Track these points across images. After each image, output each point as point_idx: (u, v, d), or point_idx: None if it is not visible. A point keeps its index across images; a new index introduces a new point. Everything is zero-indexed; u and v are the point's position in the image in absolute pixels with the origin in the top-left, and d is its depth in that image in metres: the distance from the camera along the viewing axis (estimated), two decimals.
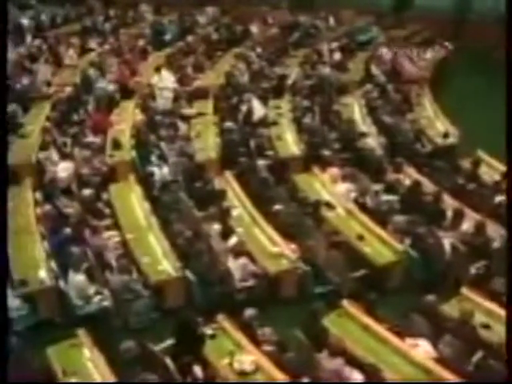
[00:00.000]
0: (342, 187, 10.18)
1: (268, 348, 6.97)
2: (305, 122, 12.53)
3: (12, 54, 14.25)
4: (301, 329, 7.06)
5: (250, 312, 7.19)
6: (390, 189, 10.00)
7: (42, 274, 7.81)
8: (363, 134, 12.04)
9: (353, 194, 10.02)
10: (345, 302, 7.51)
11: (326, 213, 9.50)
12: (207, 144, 11.50)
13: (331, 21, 19.17)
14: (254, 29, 18.22)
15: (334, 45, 16.81)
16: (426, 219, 9.05)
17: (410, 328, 7.05)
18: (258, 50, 16.52)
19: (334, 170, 10.54)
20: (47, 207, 9.07)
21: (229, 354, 6.72)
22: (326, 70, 15.18)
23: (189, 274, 8.16)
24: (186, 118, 12.60)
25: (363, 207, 9.62)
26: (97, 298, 7.81)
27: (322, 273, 8.42)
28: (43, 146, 10.68)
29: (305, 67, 15.48)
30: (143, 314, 7.85)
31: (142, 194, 9.77)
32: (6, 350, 5.45)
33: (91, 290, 7.83)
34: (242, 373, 6.58)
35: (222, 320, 7.21)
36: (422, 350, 6.76)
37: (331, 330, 7.06)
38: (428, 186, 10.22)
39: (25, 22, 16.31)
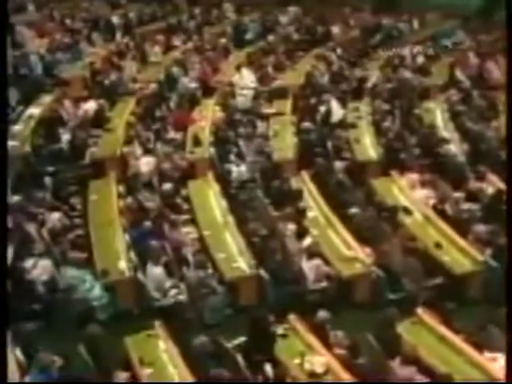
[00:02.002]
0: (421, 193, 10.00)
1: (339, 351, 6.94)
2: (384, 126, 12.38)
3: (102, 51, 14.87)
4: (373, 334, 6.99)
5: (322, 314, 7.18)
6: (472, 197, 9.75)
7: (122, 265, 8.04)
8: (445, 140, 11.77)
9: (432, 201, 9.81)
10: (419, 310, 7.38)
11: (403, 218, 9.37)
12: (285, 143, 11.54)
13: (415, 24, 18.84)
14: (336, 30, 18.12)
15: (417, 48, 16.52)
16: (509, 229, 8.77)
17: (487, 341, 6.86)
18: (339, 51, 16.43)
19: (413, 176, 10.37)
20: (129, 200, 9.36)
21: (299, 355, 6.74)
22: (407, 74, 14.94)
23: (263, 273, 8.23)
24: (265, 117, 12.69)
25: (442, 214, 9.40)
26: (173, 292, 7.99)
27: (397, 279, 8.31)
28: (127, 141, 10.99)
29: (386, 70, 15.29)
30: (217, 309, 7.95)
31: (219, 192, 9.90)
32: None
33: (168, 283, 8.02)
34: (313, 374, 6.58)
35: (294, 320, 7.23)
36: (499, 364, 6.58)
37: (404, 338, 6.97)
38: None
39: (114, 19, 16.83)
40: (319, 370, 6.57)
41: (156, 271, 7.99)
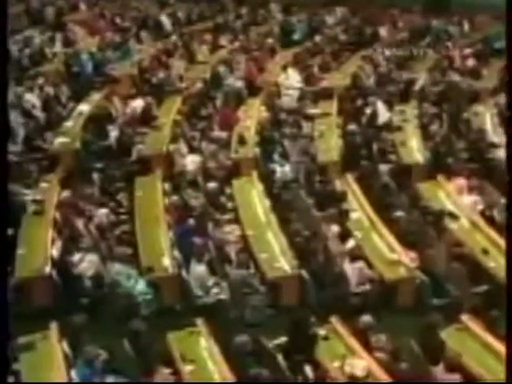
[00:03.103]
0: (468, 199, 9.84)
1: (381, 355, 6.89)
2: (431, 129, 12.22)
3: (151, 49, 15.09)
4: (416, 340, 6.92)
5: (365, 318, 7.11)
6: None
7: (167, 261, 8.12)
8: (494, 145, 11.57)
9: (479, 207, 9.66)
10: (464, 317, 7.28)
11: (449, 223, 9.23)
12: (329, 145, 11.50)
13: (465, 26, 18.54)
14: (383, 31, 17.98)
15: (468, 51, 16.24)
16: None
17: None
18: (386, 52, 16.28)
19: (461, 181, 10.20)
20: (174, 198, 9.46)
21: (340, 357, 6.71)
22: (456, 77, 14.70)
23: (304, 274, 8.23)
24: (310, 118, 12.67)
25: (490, 221, 9.25)
26: (215, 290, 8.03)
27: (442, 284, 8.19)
28: (174, 139, 11.09)
29: (434, 73, 15.08)
30: (258, 309, 7.96)
31: (263, 191, 9.94)
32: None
33: (211, 281, 8.07)
34: (353, 377, 6.53)
35: (336, 322, 7.21)
36: None
37: (448, 344, 6.87)
38: None
39: (163, 18, 17.04)
40: (360, 373, 6.52)
41: (199, 269, 8.04)
